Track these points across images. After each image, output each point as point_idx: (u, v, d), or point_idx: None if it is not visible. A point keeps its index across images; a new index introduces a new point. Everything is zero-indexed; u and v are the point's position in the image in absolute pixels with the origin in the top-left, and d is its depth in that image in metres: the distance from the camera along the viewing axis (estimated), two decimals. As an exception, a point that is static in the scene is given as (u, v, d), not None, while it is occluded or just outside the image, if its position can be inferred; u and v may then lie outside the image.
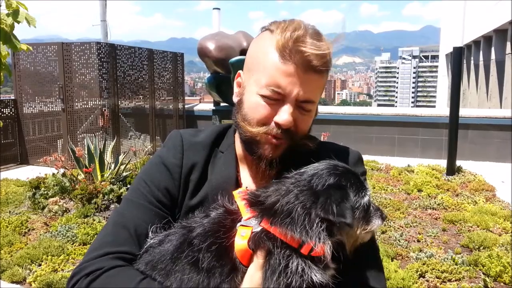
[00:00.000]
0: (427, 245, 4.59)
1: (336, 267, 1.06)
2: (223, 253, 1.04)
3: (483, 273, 3.88)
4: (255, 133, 1.20)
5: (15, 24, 2.74)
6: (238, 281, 1.04)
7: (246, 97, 1.24)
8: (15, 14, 2.65)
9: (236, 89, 1.31)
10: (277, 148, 1.21)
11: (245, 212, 1.07)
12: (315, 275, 0.99)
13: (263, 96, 1.18)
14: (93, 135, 8.13)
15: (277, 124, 1.18)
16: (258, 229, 1.03)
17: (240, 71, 1.31)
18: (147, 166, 1.34)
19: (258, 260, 1.02)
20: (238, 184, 1.29)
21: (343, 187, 1.05)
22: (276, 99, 1.18)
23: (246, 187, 1.24)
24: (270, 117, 1.19)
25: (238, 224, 1.06)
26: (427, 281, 3.77)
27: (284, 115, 1.17)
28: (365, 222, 1.08)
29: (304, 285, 0.98)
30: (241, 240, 1.03)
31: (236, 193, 1.16)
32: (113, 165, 6.36)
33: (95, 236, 4.61)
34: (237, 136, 1.34)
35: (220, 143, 1.35)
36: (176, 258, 1.07)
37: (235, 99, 1.31)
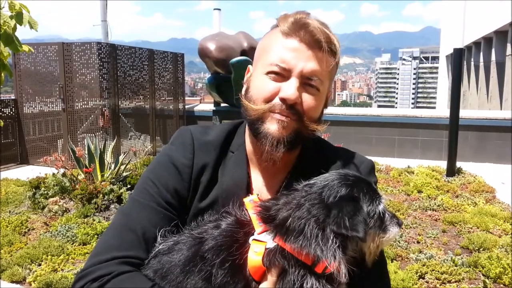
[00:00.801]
0: (427, 246, 4.60)
1: (347, 281, 1.04)
2: (237, 270, 1.02)
3: (483, 275, 3.88)
4: (259, 110, 1.17)
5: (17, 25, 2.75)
6: None
7: (252, 81, 1.23)
8: (18, 17, 2.65)
9: (244, 85, 1.30)
10: (283, 128, 1.17)
11: (258, 225, 1.05)
12: None
13: (269, 73, 1.17)
14: (93, 135, 8.13)
15: (282, 100, 1.15)
16: (272, 245, 1.01)
17: (249, 66, 1.31)
18: (155, 165, 1.28)
19: (272, 278, 1.00)
20: (249, 187, 1.26)
21: (356, 198, 1.03)
22: (281, 76, 1.16)
23: (257, 195, 1.19)
24: (275, 93, 1.17)
25: (251, 238, 1.04)
26: (427, 282, 3.77)
27: (289, 89, 1.15)
28: (382, 231, 1.06)
29: None
30: (255, 256, 1.01)
31: (247, 202, 1.13)
32: (113, 165, 6.36)
33: (95, 236, 4.63)
34: (247, 135, 1.30)
35: (230, 142, 1.31)
36: (188, 271, 1.05)
37: (243, 90, 1.28)
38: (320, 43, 1.15)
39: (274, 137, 1.17)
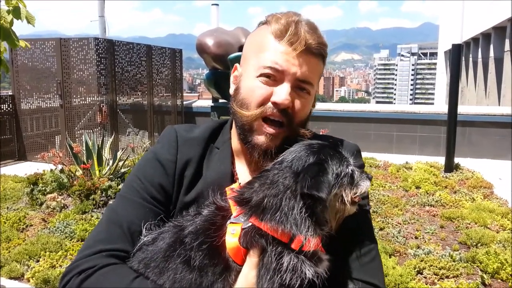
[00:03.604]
0: (425, 242, 4.61)
1: (329, 258, 1.06)
2: (215, 252, 1.04)
3: (481, 270, 3.90)
4: (251, 116, 1.19)
5: (14, 20, 2.73)
6: (231, 280, 1.03)
7: (243, 83, 1.23)
8: (15, 11, 2.63)
9: (232, 84, 1.30)
10: (274, 138, 1.19)
11: (235, 209, 1.07)
12: (308, 270, 0.99)
13: (261, 76, 1.18)
14: (91, 131, 8.11)
15: (274, 104, 1.17)
16: (248, 225, 1.02)
17: (236, 64, 1.31)
18: (141, 162, 1.32)
19: (252, 258, 1.02)
20: (233, 181, 1.28)
21: (321, 162, 1.05)
22: (273, 78, 1.17)
23: (239, 183, 1.22)
24: (268, 97, 1.18)
25: (228, 222, 1.06)
26: (425, 277, 3.78)
27: (282, 93, 1.16)
28: (354, 187, 1.09)
29: (298, 282, 0.98)
30: (231, 238, 1.03)
31: (228, 190, 1.15)
32: (111, 161, 6.35)
33: (93, 232, 4.63)
34: (233, 132, 1.32)
35: (215, 139, 1.34)
36: (169, 256, 1.07)
37: (231, 89, 1.29)
38: (311, 49, 1.17)
39: (262, 148, 1.20)
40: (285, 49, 1.16)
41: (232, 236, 1.03)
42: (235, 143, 1.32)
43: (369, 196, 5.62)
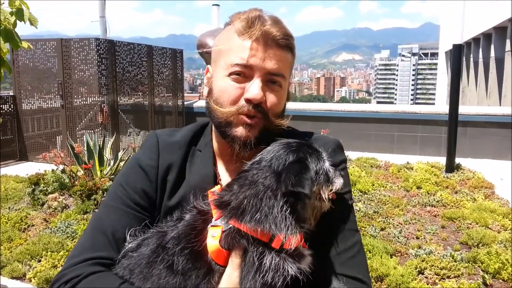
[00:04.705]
0: (426, 242, 4.61)
1: (312, 253, 1.07)
2: (197, 255, 1.05)
3: (482, 270, 3.90)
4: (227, 113, 1.20)
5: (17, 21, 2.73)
6: (214, 282, 1.04)
7: (215, 83, 1.25)
8: (19, 13, 2.64)
9: (205, 86, 1.32)
10: (252, 128, 1.20)
11: (215, 212, 1.08)
12: (291, 268, 1.00)
13: (231, 75, 1.19)
14: (92, 131, 8.12)
15: (247, 100, 1.18)
16: (228, 227, 1.03)
17: (208, 66, 1.32)
18: (124, 169, 1.34)
19: (234, 259, 1.03)
20: (216, 182, 1.29)
21: (301, 160, 1.06)
22: (244, 76, 1.19)
23: (220, 185, 1.23)
24: (240, 95, 1.19)
25: (209, 225, 1.07)
26: (426, 277, 3.78)
27: (253, 89, 1.17)
28: (330, 184, 1.11)
29: (281, 280, 0.99)
30: (212, 241, 1.04)
31: (209, 193, 1.17)
32: (112, 162, 6.36)
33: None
34: (214, 133, 1.33)
35: (197, 142, 1.35)
36: (152, 262, 1.08)
37: (204, 91, 1.31)
38: (277, 41, 1.18)
39: (242, 140, 1.20)
40: (250, 44, 1.17)
41: (213, 239, 1.04)
42: (216, 144, 1.33)
43: (369, 195, 5.57)
